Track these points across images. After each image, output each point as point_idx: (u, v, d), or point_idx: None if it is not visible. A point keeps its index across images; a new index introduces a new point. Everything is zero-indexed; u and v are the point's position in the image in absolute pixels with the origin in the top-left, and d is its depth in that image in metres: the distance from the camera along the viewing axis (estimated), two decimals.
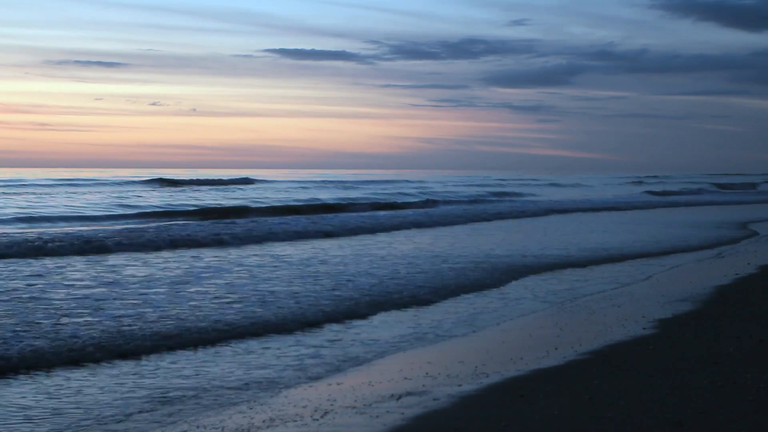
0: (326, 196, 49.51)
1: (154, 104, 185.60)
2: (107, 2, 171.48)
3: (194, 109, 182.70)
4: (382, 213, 34.68)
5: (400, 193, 55.51)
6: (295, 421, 6.07)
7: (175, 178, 66.32)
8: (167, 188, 56.96)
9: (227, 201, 42.05)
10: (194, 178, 67.94)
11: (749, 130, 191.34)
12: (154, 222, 28.19)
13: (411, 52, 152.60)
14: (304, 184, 65.90)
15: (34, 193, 44.59)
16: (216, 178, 70.20)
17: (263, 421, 6.19)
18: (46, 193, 44.97)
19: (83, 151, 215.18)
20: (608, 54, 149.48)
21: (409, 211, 36.24)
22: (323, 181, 72.76)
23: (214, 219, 29.37)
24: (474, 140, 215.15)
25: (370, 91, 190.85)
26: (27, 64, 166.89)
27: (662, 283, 13.78)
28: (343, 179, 79.99)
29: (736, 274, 13.93)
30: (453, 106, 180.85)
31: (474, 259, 17.29)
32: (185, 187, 58.44)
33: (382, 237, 23.70)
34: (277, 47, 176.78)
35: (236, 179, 69.09)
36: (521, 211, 38.20)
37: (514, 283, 14.33)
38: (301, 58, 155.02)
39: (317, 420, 6.04)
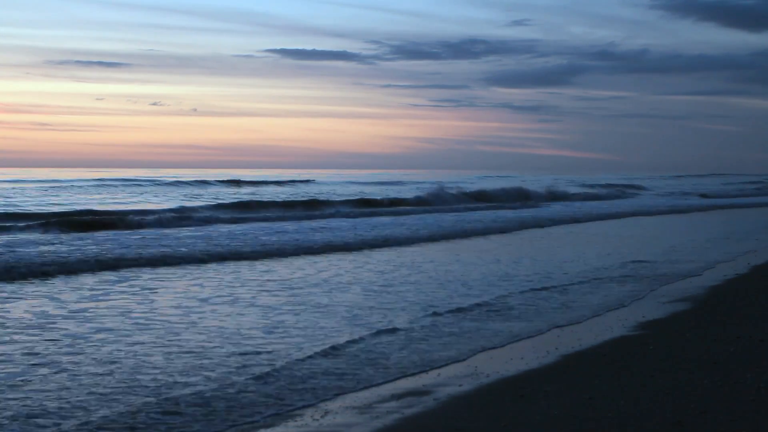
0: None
1: (154, 104, 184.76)
2: (107, 2, 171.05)
3: (195, 109, 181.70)
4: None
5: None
6: (295, 421, 6.07)
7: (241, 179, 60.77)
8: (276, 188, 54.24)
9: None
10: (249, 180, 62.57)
11: (749, 130, 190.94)
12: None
13: (411, 52, 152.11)
14: (383, 183, 64.83)
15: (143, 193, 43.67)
16: (279, 179, 66.53)
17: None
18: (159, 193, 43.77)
19: (84, 151, 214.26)
20: (609, 54, 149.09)
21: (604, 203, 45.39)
22: (379, 182, 69.97)
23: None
24: (474, 140, 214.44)
25: (371, 91, 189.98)
26: (27, 64, 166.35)
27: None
28: (394, 179, 77.70)
29: (737, 273, 13.95)
30: (453, 106, 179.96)
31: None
32: (270, 187, 55.34)
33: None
34: (278, 47, 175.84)
35: (299, 180, 66.87)
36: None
37: None
38: (302, 58, 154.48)
39: (317, 420, 6.04)
